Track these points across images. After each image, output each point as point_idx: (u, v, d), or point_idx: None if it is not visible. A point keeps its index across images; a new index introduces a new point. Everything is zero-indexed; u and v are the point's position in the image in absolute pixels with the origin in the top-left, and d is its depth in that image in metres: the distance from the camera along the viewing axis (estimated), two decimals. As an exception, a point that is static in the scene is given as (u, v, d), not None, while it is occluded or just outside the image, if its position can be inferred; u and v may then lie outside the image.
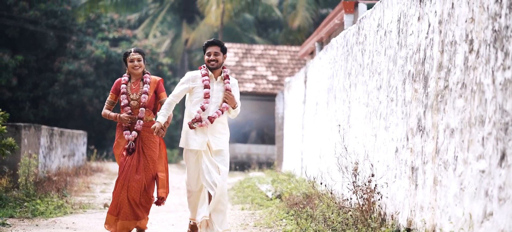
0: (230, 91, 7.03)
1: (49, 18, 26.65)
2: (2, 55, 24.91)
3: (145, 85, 7.54)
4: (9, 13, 25.50)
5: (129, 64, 7.57)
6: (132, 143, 7.37)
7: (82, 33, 28.67)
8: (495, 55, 4.37)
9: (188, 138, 7.04)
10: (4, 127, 9.48)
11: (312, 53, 20.43)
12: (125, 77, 7.65)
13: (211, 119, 6.93)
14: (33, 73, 27.09)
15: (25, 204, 9.45)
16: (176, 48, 35.05)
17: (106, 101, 7.71)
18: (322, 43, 17.88)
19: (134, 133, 7.41)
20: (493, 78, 4.39)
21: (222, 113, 6.99)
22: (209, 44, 7.05)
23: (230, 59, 25.92)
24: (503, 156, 4.21)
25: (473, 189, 4.64)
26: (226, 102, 7.02)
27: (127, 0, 34.23)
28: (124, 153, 7.40)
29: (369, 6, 13.67)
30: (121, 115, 7.46)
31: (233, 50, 26.53)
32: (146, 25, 34.57)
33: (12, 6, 25.45)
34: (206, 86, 6.99)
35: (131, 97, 7.53)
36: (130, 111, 7.47)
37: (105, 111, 7.70)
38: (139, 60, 7.56)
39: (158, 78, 7.67)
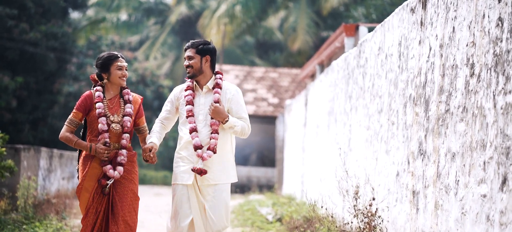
0: (218, 102, 5.57)
1: (50, 40, 26.68)
2: (2, 77, 24.91)
3: (128, 105, 5.77)
4: (9, 35, 25.53)
5: (115, 71, 5.72)
6: (108, 184, 5.67)
7: (82, 55, 28.72)
8: (496, 79, 4.36)
9: (175, 169, 5.71)
10: (4, 149, 9.46)
11: (313, 76, 20.45)
12: (98, 92, 5.73)
13: (213, 149, 5.52)
14: (33, 95, 27.08)
15: (24, 226, 9.40)
16: (177, 70, 35.11)
17: (68, 120, 5.72)
18: (322, 66, 17.89)
19: (120, 168, 5.67)
20: (494, 102, 4.37)
21: (217, 133, 5.57)
22: (185, 49, 5.66)
23: (230, 81, 25.96)
24: (504, 181, 4.19)
25: (475, 213, 4.61)
26: (213, 117, 5.57)
27: (128, 23, 34.41)
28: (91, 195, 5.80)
29: (370, 29, 13.68)
30: (98, 146, 5.65)
31: (234, 72, 26.59)
32: (146, 47, 34.65)
33: (12, 28, 25.49)
34: (189, 102, 5.63)
35: (111, 118, 5.70)
36: (107, 140, 5.66)
37: (66, 134, 5.72)
38: (127, 69, 5.81)
39: (139, 98, 5.92)
